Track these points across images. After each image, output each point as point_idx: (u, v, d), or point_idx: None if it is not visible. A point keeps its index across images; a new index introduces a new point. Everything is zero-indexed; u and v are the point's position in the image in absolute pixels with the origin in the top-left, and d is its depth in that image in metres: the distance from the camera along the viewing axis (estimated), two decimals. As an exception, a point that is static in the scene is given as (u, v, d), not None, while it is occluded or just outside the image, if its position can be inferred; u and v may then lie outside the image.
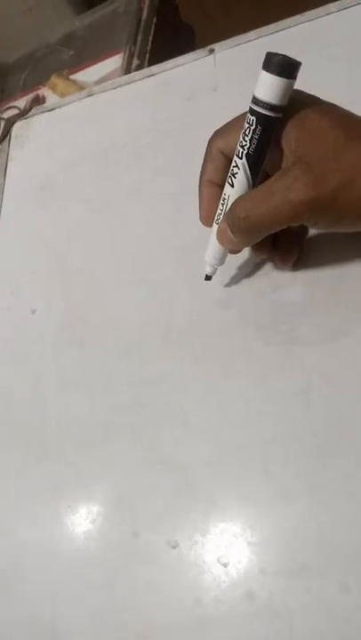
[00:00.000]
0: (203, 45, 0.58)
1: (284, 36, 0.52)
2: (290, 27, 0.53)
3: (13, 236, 0.62)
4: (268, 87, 0.33)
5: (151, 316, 0.48)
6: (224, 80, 0.55)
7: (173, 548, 0.40)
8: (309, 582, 0.35)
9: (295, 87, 0.35)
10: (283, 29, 0.53)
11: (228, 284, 0.45)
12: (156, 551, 0.40)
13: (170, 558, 0.40)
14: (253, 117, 0.34)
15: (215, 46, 0.57)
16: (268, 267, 0.44)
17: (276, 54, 0.32)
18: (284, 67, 0.32)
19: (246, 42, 0.55)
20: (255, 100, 0.34)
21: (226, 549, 0.38)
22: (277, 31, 0.53)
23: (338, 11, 0.50)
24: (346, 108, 0.36)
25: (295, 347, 0.41)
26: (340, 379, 0.39)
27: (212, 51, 0.57)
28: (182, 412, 0.43)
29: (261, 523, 0.38)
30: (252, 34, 0.54)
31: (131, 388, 0.46)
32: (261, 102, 0.33)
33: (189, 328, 0.46)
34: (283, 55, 0.32)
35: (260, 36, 0.54)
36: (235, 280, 0.45)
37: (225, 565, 0.38)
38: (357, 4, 0.49)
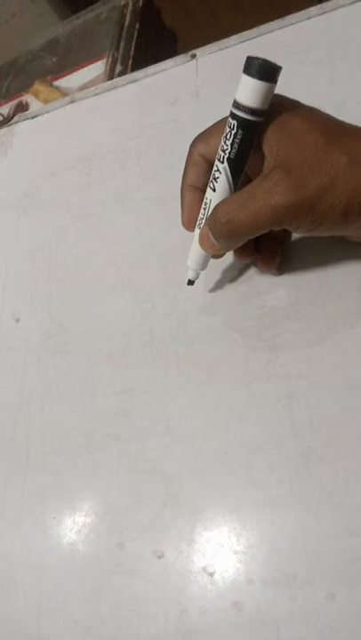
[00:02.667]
0: (187, 50, 0.58)
1: (266, 41, 0.52)
2: (271, 31, 0.53)
3: (-3, 244, 0.62)
4: (249, 91, 0.33)
5: (135, 323, 0.48)
6: (206, 85, 0.55)
7: (159, 558, 0.39)
8: (296, 591, 0.35)
9: (276, 91, 0.35)
10: (264, 34, 0.53)
11: (212, 290, 0.45)
12: (142, 561, 0.40)
13: (156, 568, 0.39)
14: (235, 121, 0.34)
15: (197, 51, 0.56)
16: (251, 271, 0.44)
17: (257, 58, 0.32)
18: (264, 70, 0.32)
19: (228, 47, 0.54)
20: (236, 104, 0.34)
21: (212, 559, 0.38)
22: (259, 35, 0.53)
23: (319, 15, 0.50)
24: (328, 111, 0.36)
25: (279, 352, 0.41)
26: (324, 384, 0.39)
27: (193, 56, 0.57)
28: (166, 420, 0.43)
29: (247, 531, 0.37)
30: (233, 38, 0.54)
31: (115, 396, 0.46)
32: (242, 106, 0.33)
33: (173, 335, 0.46)
34: (263, 59, 0.32)
35: (242, 41, 0.54)
36: (218, 285, 0.45)
37: (211, 575, 0.37)
38: (338, 8, 0.49)
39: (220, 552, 0.38)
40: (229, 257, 0.45)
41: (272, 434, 0.39)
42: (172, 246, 0.48)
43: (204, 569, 0.38)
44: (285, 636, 0.34)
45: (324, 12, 0.50)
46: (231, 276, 0.45)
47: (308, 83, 0.48)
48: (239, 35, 0.54)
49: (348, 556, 0.34)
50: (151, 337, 0.47)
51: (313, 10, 0.51)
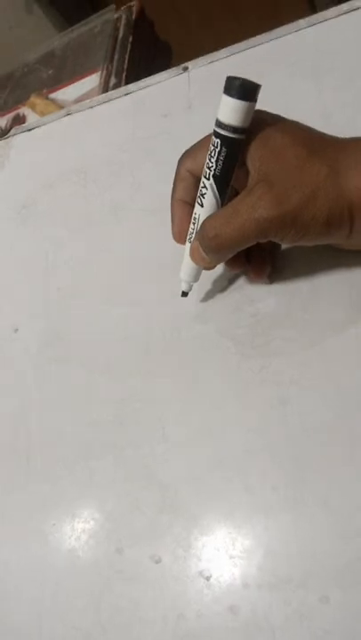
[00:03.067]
0: (180, 62, 0.59)
1: (255, 53, 0.53)
2: (261, 43, 0.54)
3: (-5, 256, 0.63)
4: (230, 110, 0.34)
5: (130, 333, 0.49)
6: (198, 97, 0.56)
7: (157, 563, 0.40)
8: (290, 594, 0.35)
9: (264, 103, 0.36)
10: (253, 46, 0.54)
11: (205, 299, 0.46)
12: (140, 567, 0.40)
13: (153, 574, 0.40)
14: (218, 140, 0.35)
15: (189, 64, 0.58)
16: (242, 280, 0.45)
17: (236, 78, 0.33)
18: (244, 90, 0.33)
19: (218, 59, 0.55)
20: (218, 124, 0.35)
21: (208, 563, 0.38)
22: (248, 48, 0.54)
23: (306, 27, 0.51)
24: (315, 122, 0.37)
25: (271, 359, 0.41)
26: (316, 390, 0.39)
27: (185, 68, 0.58)
28: (162, 428, 0.44)
29: (242, 536, 0.38)
30: (223, 51, 0.55)
31: (111, 404, 0.47)
32: (224, 125, 0.34)
33: (168, 343, 0.46)
34: (243, 79, 0.33)
35: (232, 54, 0.55)
36: (211, 295, 0.46)
37: (207, 579, 0.38)
38: (325, 21, 0.50)
39: (215, 557, 0.38)
40: (221, 267, 0.46)
41: (266, 440, 0.40)
42: (166, 256, 0.49)
43: (201, 573, 0.38)
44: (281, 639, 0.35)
45: (312, 25, 0.51)
46: (223, 285, 0.46)
47: (296, 94, 0.49)
48: (229, 47, 0.55)
49: (342, 559, 0.35)
50: (147, 346, 0.47)
51: (301, 22, 0.52)
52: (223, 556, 0.38)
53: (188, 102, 0.56)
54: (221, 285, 0.46)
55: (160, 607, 0.39)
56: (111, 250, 0.54)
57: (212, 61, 0.56)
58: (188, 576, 0.39)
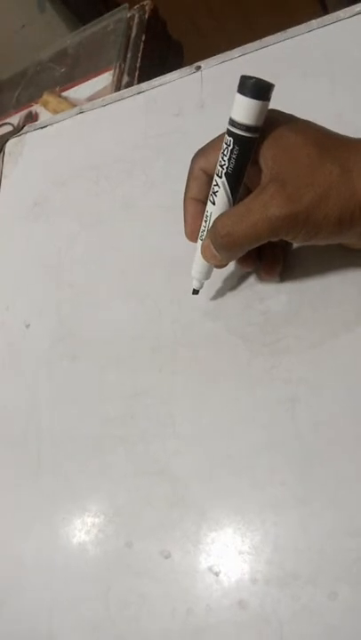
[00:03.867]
0: (193, 61, 0.59)
1: (268, 53, 0.54)
2: (273, 43, 0.54)
3: (7, 252, 0.63)
4: (244, 109, 0.34)
5: (142, 329, 0.49)
6: (211, 96, 0.56)
7: (166, 558, 0.40)
8: (299, 590, 0.36)
9: (278, 102, 0.36)
10: (266, 46, 0.54)
11: (216, 297, 0.46)
12: (150, 561, 0.41)
13: (163, 568, 0.40)
14: (231, 138, 0.35)
15: (201, 63, 0.58)
16: (253, 278, 0.45)
17: (250, 77, 0.33)
18: (257, 89, 0.33)
19: (231, 59, 0.56)
20: (232, 122, 0.35)
21: (217, 558, 0.39)
22: (261, 48, 0.54)
23: (319, 27, 0.51)
24: (328, 122, 0.37)
25: (282, 357, 0.42)
26: (326, 388, 0.40)
27: (198, 68, 0.58)
28: (173, 424, 0.44)
29: (251, 532, 0.38)
30: (236, 51, 0.55)
31: (122, 400, 0.47)
32: (238, 124, 0.35)
33: (179, 340, 0.47)
34: (256, 78, 0.33)
35: (245, 53, 0.55)
36: (222, 292, 0.46)
37: (217, 574, 0.38)
38: (338, 21, 0.50)
39: (225, 552, 0.39)
40: (232, 265, 0.46)
41: (275, 436, 0.40)
42: (178, 253, 0.50)
43: (210, 568, 0.39)
44: (289, 635, 0.35)
45: (325, 25, 0.51)
46: (234, 283, 0.46)
47: (310, 94, 0.49)
48: (242, 47, 0.56)
49: (351, 555, 0.35)
50: (158, 342, 0.48)
51: (314, 22, 0.52)
52: (232, 551, 0.38)
53: (200, 101, 0.56)
54: (232, 283, 0.46)
55: (169, 601, 0.39)
56: (123, 247, 0.54)
57: (225, 61, 0.56)
58: (197, 571, 0.39)
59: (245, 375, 0.42)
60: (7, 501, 0.49)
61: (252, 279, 0.45)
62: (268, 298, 0.44)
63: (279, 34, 0.53)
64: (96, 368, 0.50)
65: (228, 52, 0.56)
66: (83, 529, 0.45)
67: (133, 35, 0.88)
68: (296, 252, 0.44)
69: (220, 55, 0.57)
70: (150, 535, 0.42)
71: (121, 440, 0.46)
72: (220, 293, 0.46)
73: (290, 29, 0.53)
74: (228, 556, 0.38)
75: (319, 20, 0.52)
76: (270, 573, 0.37)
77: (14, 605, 0.45)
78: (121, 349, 0.49)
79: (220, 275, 0.46)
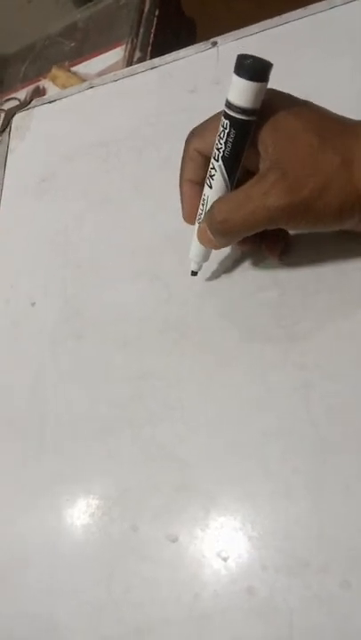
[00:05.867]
0: (205, 38, 0.58)
1: (287, 30, 0.52)
2: (292, 20, 0.52)
3: (13, 228, 0.62)
4: (240, 91, 0.33)
5: (150, 310, 0.48)
6: (226, 73, 0.54)
7: (173, 542, 0.40)
8: (310, 578, 0.35)
9: (275, 85, 0.35)
10: (285, 23, 0.52)
11: (229, 278, 0.45)
12: (156, 545, 0.40)
13: (169, 552, 0.40)
14: (227, 121, 0.34)
15: (218, 39, 0.56)
16: (269, 260, 0.44)
17: (247, 57, 0.32)
18: (255, 70, 0.32)
19: (249, 35, 0.54)
20: (228, 104, 0.34)
21: (226, 544, 0.38)
22: (280, 24, 0.53)
23: (342, 4, 0.50)
24: (349, 101, 0.36)
25: (296, 341, 0.41)
26: (341, 374, 0.39)
27: (214, 44, 0.56)
28: (181, 407, 0.43)
29: (262, 518, 0.38)
30: (254, 27, 0.54)
31: (129, 381, 0.46)
32: (234, 106, 0.33)
33: (189, 322, 0.46)
34: (253, 58, 0.32)
35: (263, 30, 0.53)
36: (236, 274, 0.45)
37: (225, 560, 0.38)
38: (361, -2, 0.49)
39: (234, 538, 0.38)
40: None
41: (287, 422, 0.39)
42: (188, 234, 0.48)
43: (218, 554, 0.38)
44: (298, 623, 0.35)
45: (348, 2, 0.50)
46: (248, 265, 0.45)
47: (330, 74, 0.48)
48: (261, 23, 0.54)
49: (363, 544, 0.35)
50: (167, 324, 0.47)
51: (336, -1, 0.51)
52: (242, 537, 0.38)
53: (215, 78, 0.55)
54: (246, 265, 0.45)
55: (175, 586, 0.39)
56: (132, 226, 0.53)
57: (243, 37, 0.55)
58: (205, 556, 0.38)
59: (258, 359, 0.42)
60: (11, 481, 0.48)
61: (267, 260, 0.44)
62: (283, 280, 0.43)
63: (300, 10, 0.52)
64: (102, 349, 0.49)
65: (246, 29, 0.55)
66: (87, 511, 0.44)
67: (147, 9, 0.86)
68: (313, 233, 0.42)
69: (237, 31, 0.55)
70: (157, 519, 0.41)
71: (127, 422, 0.45)
72: (233, 275, 0.45)
73: (311, 6, 0.52)
74: (237, 541, 0.38)
75: (342, -4, 0.50)
76: (281, 560, 0.36)
77: (17, 586, 0.44)
78: (128, 330, 0.48)
79: (232, 255, 0.45)
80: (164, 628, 0.38)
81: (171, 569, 0.39)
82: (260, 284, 0.44)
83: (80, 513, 0.44)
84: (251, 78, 0.32)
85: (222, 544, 0.38)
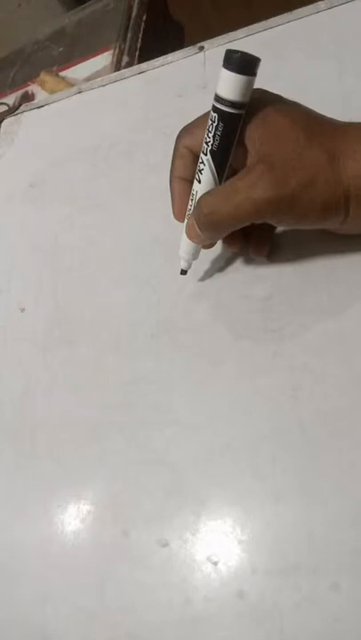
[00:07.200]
0: (191, 43, 0.58)
1: (274, 35, 0.52)
2: (279, 25, 0.53)
3: (2, 234, 0.62)
4: (228, 84, 0.33)
5: (141, 315, 0.48)
6: (214, 77, 0.54)
7: (163, 546, 0.40)
8: (300, 581, 0.35)
9: (265, 85, 0.36)
10: (272, 27, 0.53)
11: (218, 282, 0.45)
12: (147, 550, 0.40)
13: (160, 557, 0.40)
14: (216, 114, 0.35)
15: (205, 44, 0.57)
16: (256, 263, 0.44)
17: (236, 52, 0.33)
18: (243, 64, 0.33)
19: (235, 39, 0.54)
20: (217, 98, 0.34)
21: (216, 548, 0.38)
22: (266, 29, 0.53)
23: (327, 9, 0.50)
24: (336, 105, 0.36)
25: (285, 344, 0.41)
26: (330, 375, 0.39)
27: (201, 48, 0.57)
28: (172, 411, 0.43)
29: (252, 521, 0.38)
30: (241, 32, 0.54)
31: (121, 387, 0.46)
32: (222, 99, 0.34)
33: (179, 326, 0.46)
34: (242, 52, 0.32)
35: (250, 34, 0.54)
36: (224, 278, 0.45)
37: (215, 564, 0.38)
38: (347, 3, 0.49)
39: (224, 541, 0.38)
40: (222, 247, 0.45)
41: (277, 425, 0.39)
42: (177, 238, 0.48)
43: (209, 558, 0.38)
44: (289, 626, 0.35)
45: (333, 6, 0.50)
46: (236, 266, 0.45)
47: (315, 77, 0.48)
48: (247, 28, 0.54)
49: (353, 546, 0.35)
50: (157, 328, 0.47)
51: (321, 4, 0.51)
52: (232, 540, 0.38)
53: (203, 82, 0.55)
54: (234, 268, 0.45)
55: (166, 591, 0.39)
56: (122, 231, 0.53)
57: (229, 41, 0.55)
58: (195, 560, 0.38)
59: (248, 362, 0.42)
60: (1, 487, 0.48)
61: (255, 263, 0.44)
62: (271, 283, 0.43)
63: (285, 15, 0.52)
64: (93, 354, 0.49)
65: (233, 33, 0.55)
66: (78, 517, 0.44)
67: (134, 14, 0.86)
68: (299, 235, 0.43)
69: (224, 35, 0.56)
70: (148, 524, 0.41)
71: (118, 427, 0.45)
72: (222, 278, 0.45)
73: (296, 10, 0.52)
74: (227, 545, 0.38)
75: (327, 0, 0.51)
76: (271, 563, 0.36)
77: (7, 593, 0.44)
78: (119, 335, 0.48)
79: (221, 259, 0.45)
80: (155, 633, 0.38)
81: (161, 573, 0.39)
82: (248, 285, 0.44)
83: (71, 519, 0.44)
84: (239, 71, 0.33)
85: (213, 548, 0.38)
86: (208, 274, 0.46)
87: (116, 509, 0.42)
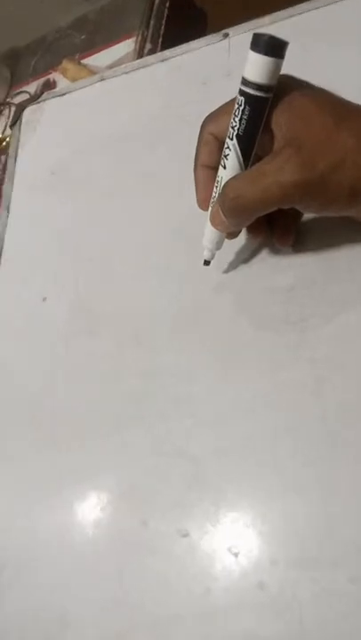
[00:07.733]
0: (216, 30, 0.57)
1: (298, 22, 0.52)
2: (304, 12, 0.52)
3: (24, 223, 0.62)
4: (256, 67, 0.33)
5: (162, 305, 0.48)
6: (238, 65, 0.54)
7: (184, 537, 0.40)
8: (319, 573, 0.35)
9: (290, 73, 0.35)
10: (297, 14, 0.52)
11: (240, 273, 0.45)
12: (167, 540, 0.40)
13: (180, 547, 0.40)
14: (242, 98, 0.34)
15: (229, 31, 0.56)
16: (280, 255, 0.44)
17: (264, 34, 0.32)
18: (271, 46, 0.32)
19: (261, 26, 0.54)
20: (244, 81, 0.34)
21: (237, 539, 0.38)
22: (291, 16, 0.52)
23: (355, -5, 0.49)
24: (358, 94, 0.35)
25: (307, 336, 0.41)
26: (352, 369, 0.38)
27: (226, 35, 0.56)
28: (192, 402, 0.43)
29: (272, 513, 0.38)
30: (266, 19, 0.54)
31: (141, 378, 0.46)
32: (249, 82, 0.33)
33: (199, 317, 0.46)
34: (270, 35, 0.32)
35: (274, 22, 0.53)
36: (246, 269, 0.45)
37: (236, 555, 0.38)
38: (375, -12, 0.48)
39: (244, 533, 0.38)
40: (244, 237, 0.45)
41: (298, 417, 0.39)
42: (200, 229, 0.48)
43: (229, 549, 0.38)
44: (308, 617, 0.34)
45: (361, -8, 0.49)
46: (259, 257, 0.45)
47: (339, 64, 0.47)
48: (272, 15, 0.54)
49: (374, 540, 0.34)
50: (178, 320, 0.47)
51: (349, -10, 0.50)
52: (252, 532, 0.38)
53: (227, 70, 0.54)
54: (257, 259, 0.45)
55: (186, 581, 0.39)
56: (143, 220, 0.53)
57: (254, 28, 0.54)
58: (215, 551, 0.38)
59: (270, 354, 0.41)
60: (22, 475, 0.49)
61: (278, 254, 0.44)
62: (294, 275, 0.42)
63: (312, 1, 0.51)
64: (114, 344, 0.49)
65: (258, 20, 0.54)
66: (98, 506, 0.44)
67: (157, 1, 0.85)
68: (322, 225, 0.42)
69: (248, 22, 0.55)
70: (168, 514, 0.41)
71: (139, 418, 0.45)
72: (244, 270, 0.45)
73: (322, -3, 0.51)
74: (247, 537, 0.38)
75: (355, -14, 0.50)
76: (291, 555, 0.36)
77: (28, 581, 0.45)
78: (140, 326, 0.48)
79: (244, 250, 0.45)
80: (175, 623, 0.38)
81: (181, 564, 0.39)
82: (270, 277, 0.43)
83: (91, 508, 0.44)
84: (267, 54, 0.32)
85: (233, 539, 0.38)
86: (232, 265, 0.46)
87: (136, 499, 0.43)
